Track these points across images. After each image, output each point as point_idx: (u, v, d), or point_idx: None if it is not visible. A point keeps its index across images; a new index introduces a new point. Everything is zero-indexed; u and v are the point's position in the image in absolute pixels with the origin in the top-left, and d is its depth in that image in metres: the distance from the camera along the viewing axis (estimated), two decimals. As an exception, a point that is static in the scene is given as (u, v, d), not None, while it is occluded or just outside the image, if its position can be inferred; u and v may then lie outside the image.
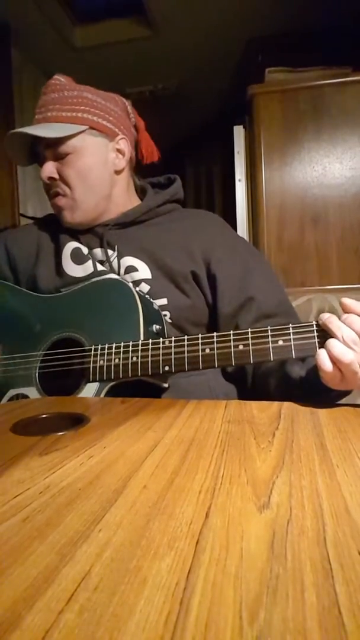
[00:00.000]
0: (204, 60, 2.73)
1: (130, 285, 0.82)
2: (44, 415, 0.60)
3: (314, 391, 0.67)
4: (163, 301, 0.89)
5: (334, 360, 0.60)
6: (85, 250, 0.94)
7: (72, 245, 0.95)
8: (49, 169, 0.90)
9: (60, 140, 0.89)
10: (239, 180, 2.10)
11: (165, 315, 0.88)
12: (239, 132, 2.09)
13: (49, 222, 1.03)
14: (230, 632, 0.20)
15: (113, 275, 0.90)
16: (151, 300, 0.87)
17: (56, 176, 0.91)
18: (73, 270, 0.92)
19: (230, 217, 2.03)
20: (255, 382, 0.88)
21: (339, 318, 0.62)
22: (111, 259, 0.93)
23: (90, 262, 0.92)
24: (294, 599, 0.22)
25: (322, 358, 0.60)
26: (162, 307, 0.88)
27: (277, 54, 2.28)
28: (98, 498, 0.34)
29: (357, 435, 0.48)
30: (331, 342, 0.60)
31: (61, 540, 0.28)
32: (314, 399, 0.65)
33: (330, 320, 0.62)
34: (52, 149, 0.90)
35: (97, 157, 0.93)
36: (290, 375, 0.75)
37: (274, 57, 2.20)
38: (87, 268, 0.91)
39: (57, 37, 2.45)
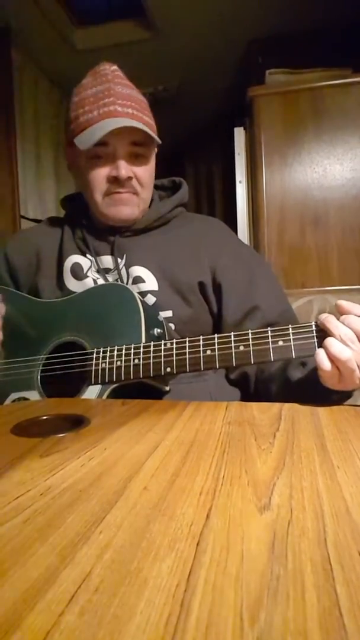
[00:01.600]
0: (204, 62, 2.74)
1: (131, 289, 0.82)
2: (44, 417, 0.60)
3: (315, 394, 0.67)
4: (168, 313, 0.89)
5: (332, 359, 0.60)
6: (85, 265, 0.94)
7: (72, 259, 0.94)
8: (129, 166, 0.90)
9: (146, 143, 0.90)
10: (240, 182, 2.11)
11: (170, 327, 0.88)
12: (239, 133, 2.10)
13: (50, 228, 1.03)
14: (231, 633, 0.20)
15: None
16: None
17: (133, 175, 0.90)
18: (74, 285, 0.92)
19: (230, 218, 2.04)
20: (257, 388, 0.88)
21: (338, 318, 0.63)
22: (120, 268, 0.92)
23: (89, 279, 0.92)
24: (295, 600, 0.22)
25: (321, 357, 0.61)
26: (167, 320, 0.88)
27: (277, 56, 2.28)
28: (99, 499, 0.34)
29: (358, 436, 0.48)
30: (329, 341, 0.60)
31: (62, 541, 0.28)
32: (315, 402, 0.65)
33: (328, 319, 0.62)
34: (135, 148, 0.90)
35: (154, 163, 0.96)
36: (290, 380, 0.75)
37: (274, 59, 2.20)
38: (87, 285, 0.91)
39: (57, 39, 2.46)
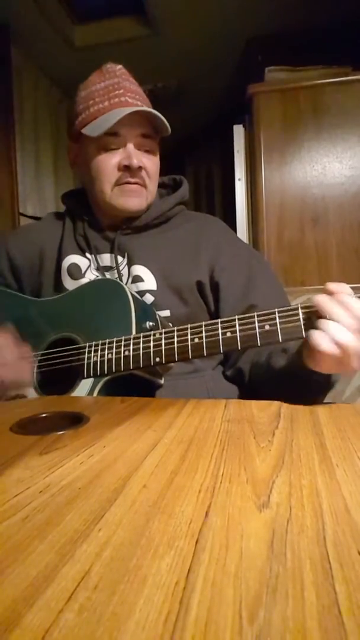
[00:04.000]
0: (204, 60, 2.73)
1: (123, 284, 0.82)
2: (43, 415, 0.60)
3: (297, 377, 0.68)
4: (166, 313, 0.89)
5: (337, 344, 0.58)
6: (83, 266, 0.94)
7: (70, 259, 0.94)
8: (140, 157, 0.90)
9: (153, 137, 0.92)
10: (239, 180, 2.10)
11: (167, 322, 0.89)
12: (238, 131, 2.09)
13: (52, 224, 1.02)
14: (230, 631, 0.20)
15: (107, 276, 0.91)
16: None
17: (143, 165, 0.91)
18: (71, 285, 0.92)
19: (230, 216, 2.04)
20: (250, 379, 0.89)
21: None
22: (121, 267, 0.92)
23: (86, 280, 0.92)
24: (294, 598, 0.22)
25: (320, 340, 0.59)
26: (166, 319, 0.89)
27: (277, 53, 2.28)
28: (98, 497, 0.34)
29: (357, 435, 0.48)
30: (333, 327, 0.59)
31: (61, 539, 0.28)
32: (297, 388, 0.66)
33: (325, 301, 0.60)
34: (144, 140, 0.91)
35: (159, 157, 0.97)
36: (274, 367, 0.76)
37: (274, 57, 2.20)
38: None
39: (57, 37, 2.45)
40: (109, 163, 0.90)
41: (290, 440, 0.46)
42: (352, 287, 0.63)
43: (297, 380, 0.69)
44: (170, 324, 0.88)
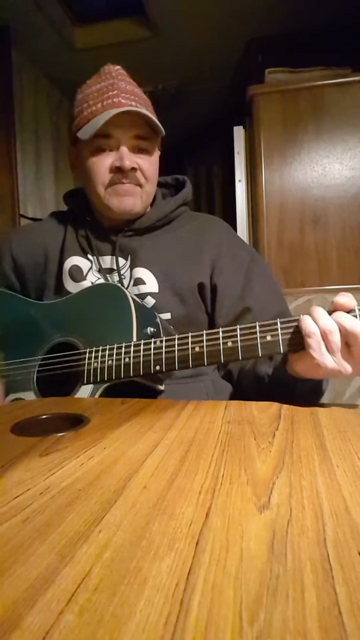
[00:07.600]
0: (204, 61, 2.74)
1: (125, 289, 0.82)
2: (43, 416, 0.60)
3: (282, 383, 0.70)
4: (167, 316, 0.89)
5: (344, 333, 0.60)
6: (85, 267, 0.93)
7: (72, 261, 0.94)
8: (133, 158, 0.89)
9: (150, 138, 0.90)
10: (239, 181, 2.10)
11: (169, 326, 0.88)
12: (239, 132, 2.09)
13: (54, 225, 1.02)
14: (230, 632, 0.20)
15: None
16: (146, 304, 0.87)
17: (137, 167, 0.89)
18: (72, 287, 0.92)
19: (230, 217, 2.03)
20: (238, 383, 0.89)
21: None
22: (123, 269, 0.92)
23: (87, 282, 0.92)
24: (294, 599, 0.22)
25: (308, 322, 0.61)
26: (167, 322, 0.88)
27: (277, 55, 2.28)
28: (98, 499, 0.34)
29: (357, 436, 0.48)
30: (341, 316, 0.61)
31: (61, 540, 0.28)
32: (283, 395, 0.66)
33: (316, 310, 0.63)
34: (138, 141, 0.89)
35: (158, 158, 0.96)
36: (259, 374, 0.77)
37: (274, 58, 2.20)
38: (85, 287, 0.91)
39: (57, 38, 2.45)
40: (101, 165, 0.89)
41: (291, 442, 0.46)
42: (351, 288, 0.63)
43: (282, 387, 0.70)
44: (172, 327, 0.88)
